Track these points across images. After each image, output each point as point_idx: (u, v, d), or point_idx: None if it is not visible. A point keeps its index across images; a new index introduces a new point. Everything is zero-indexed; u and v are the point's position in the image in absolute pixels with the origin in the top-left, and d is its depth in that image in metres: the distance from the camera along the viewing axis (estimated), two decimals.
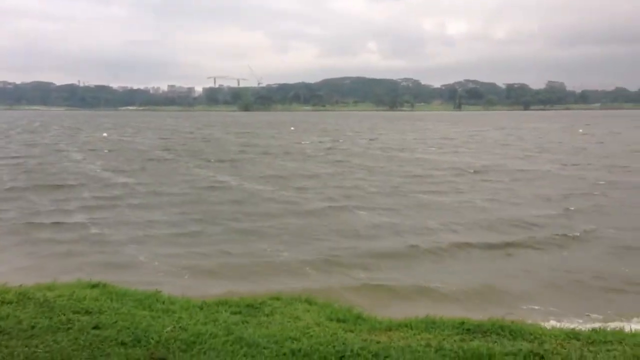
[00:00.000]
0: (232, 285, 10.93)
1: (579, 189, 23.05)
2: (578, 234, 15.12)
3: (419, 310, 8.16)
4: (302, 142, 52.55)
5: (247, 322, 6.21)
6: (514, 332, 6.01)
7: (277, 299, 7.27)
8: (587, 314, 9.61)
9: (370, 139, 57.50)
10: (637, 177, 26.70)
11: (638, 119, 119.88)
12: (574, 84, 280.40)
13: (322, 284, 11.20)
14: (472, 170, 29.42)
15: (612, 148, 44.41)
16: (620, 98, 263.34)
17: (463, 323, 6.23)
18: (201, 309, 6.73)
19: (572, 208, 18.88)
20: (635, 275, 11.81)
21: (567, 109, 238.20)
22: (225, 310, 6.64)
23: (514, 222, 16.65)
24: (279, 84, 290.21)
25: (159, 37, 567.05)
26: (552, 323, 7.86)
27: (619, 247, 13.96)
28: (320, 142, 53.06)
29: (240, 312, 6.60)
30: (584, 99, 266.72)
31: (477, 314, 7.48)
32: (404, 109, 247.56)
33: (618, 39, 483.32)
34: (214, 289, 10.28)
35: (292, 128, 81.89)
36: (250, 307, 6.80)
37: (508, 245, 14.10)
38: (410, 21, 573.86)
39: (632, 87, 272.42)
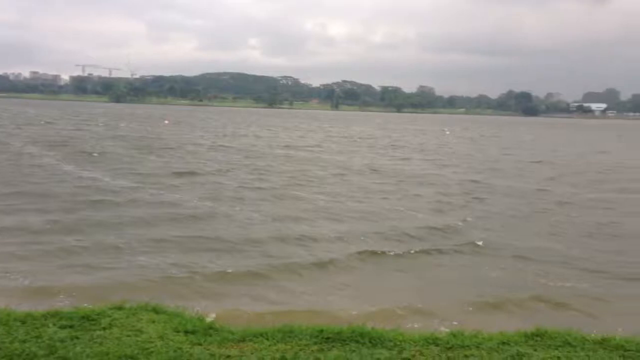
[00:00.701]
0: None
1: (460, 193, 23.24)
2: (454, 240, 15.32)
3: (283, 317, 7.74)
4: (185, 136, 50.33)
5: (77, 338, 5.38)
6: (374, 339, 5.73)
7: (120, 308, 6.44)
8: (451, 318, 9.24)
9: (257, 136, 56.40)
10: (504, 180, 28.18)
11: (499, 124, 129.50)
12: (442, 90, 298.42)
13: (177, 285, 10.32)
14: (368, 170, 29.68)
15: (491, 152, 47.01)
16: (482, 104, 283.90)
17: (322, 331, 5.84)
18: (24, 323, 5.77)
19: (457, 213, 19.28)
20: (497, 278, 11.99)
21: (436, 112, 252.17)
22: (54, 324, 5.73)
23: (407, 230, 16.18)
24: (155, 76, 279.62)
25: (24, 18, 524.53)
26: (414, 327, 7.75)
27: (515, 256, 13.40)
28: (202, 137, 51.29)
29: (71, 326, 5.72)
30: (451, 104, 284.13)
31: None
32: (283, 106, 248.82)
33: (482, 51, 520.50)
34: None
35: (166, 122, 78.79)
36: (86, 320, 5.94)
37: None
38: (293, 20, 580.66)
39: (492, 95, 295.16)
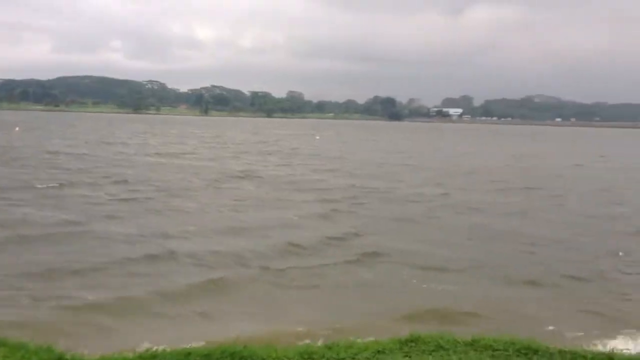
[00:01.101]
0: None
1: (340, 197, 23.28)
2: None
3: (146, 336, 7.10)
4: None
5: None
6: (245, 357, 5.37)
7: None
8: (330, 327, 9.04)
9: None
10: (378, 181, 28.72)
11: (368, 128, 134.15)
12: (311, 95, 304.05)
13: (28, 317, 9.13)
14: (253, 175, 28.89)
15: (365, 156, 47.96)
16: (350, 109, 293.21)
17: (189, 354, 5.37)
18: None
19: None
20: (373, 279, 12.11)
21: (305, 117, 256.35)
22: None
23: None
24: (4, 80, 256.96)
25: None
26: (289, 341, 7.45)
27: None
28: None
29: None
30: (320, 108, 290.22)
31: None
32: (149, 112, 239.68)
33: (349, 57, 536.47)
34: None
35: (17, 128, 72.21)
36: None
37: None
38: (159, 22, 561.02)
39: (360, 100, 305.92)
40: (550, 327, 9.37)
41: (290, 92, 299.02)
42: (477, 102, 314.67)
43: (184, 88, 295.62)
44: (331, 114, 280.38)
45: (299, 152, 49.61)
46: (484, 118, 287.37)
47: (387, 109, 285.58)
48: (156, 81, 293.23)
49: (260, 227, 16.60)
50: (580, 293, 11.68)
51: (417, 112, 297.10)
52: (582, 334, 9.13)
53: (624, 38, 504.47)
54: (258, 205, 20.83)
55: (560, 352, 6.14)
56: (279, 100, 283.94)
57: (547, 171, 37.94)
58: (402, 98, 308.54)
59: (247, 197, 22.48)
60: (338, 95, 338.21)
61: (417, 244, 15.36)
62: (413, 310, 10.07)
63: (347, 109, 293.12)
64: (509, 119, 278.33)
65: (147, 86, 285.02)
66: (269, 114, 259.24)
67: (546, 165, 42.74)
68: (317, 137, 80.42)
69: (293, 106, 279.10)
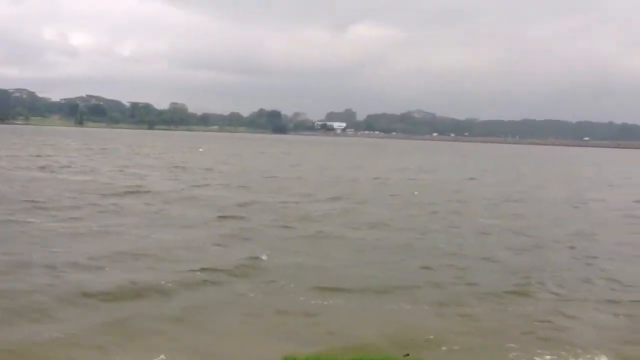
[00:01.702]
0: None
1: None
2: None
3: None
4: None
5: None
6: None
7: None
8: None
9: None
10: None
11: (253, 141, 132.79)
12: (195, 107, 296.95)
13: None
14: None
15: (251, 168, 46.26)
16: (235, 122, 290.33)
17: None
18: None
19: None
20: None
21: (190, 129, 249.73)
22: None
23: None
24: None
25: None
26: None
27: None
28: None
29: None
30: (205, 121, 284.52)
31: None
32: (17, 122, 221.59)
33: (233, 69, 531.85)
34: None
35: None
36: None
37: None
38: (28, 27, 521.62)
39: (244, 113, 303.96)
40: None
41: (173, 103, 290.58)
42: (360, 117, 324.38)
43: (56, 97, 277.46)
44: (216, 127, 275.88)
45: (187, 165, 46.99)
46: (367, 132, 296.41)
47: (272, 122, 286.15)
48: (24, 89, 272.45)
49: (153, 253, 14.65)
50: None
51: (302, 126, 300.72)
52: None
53: (497, 57, 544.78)
54: (152, 223, 18.64)
55: None
56: (161, 112, 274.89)
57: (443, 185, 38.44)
58: (287, 111, 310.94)
59: (138, 214, 20.11)
60: (222, 108, 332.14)
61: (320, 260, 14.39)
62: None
63: (231, 122, 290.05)
64: (393, 133, 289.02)
65: (14, 95, 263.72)
66: (151, 125, 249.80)
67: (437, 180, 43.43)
68: (201, 150, 77.78)
69: (176, 118, 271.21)
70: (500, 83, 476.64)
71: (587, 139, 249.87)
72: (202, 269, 12.81)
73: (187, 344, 8.81)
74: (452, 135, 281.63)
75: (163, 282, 11.72)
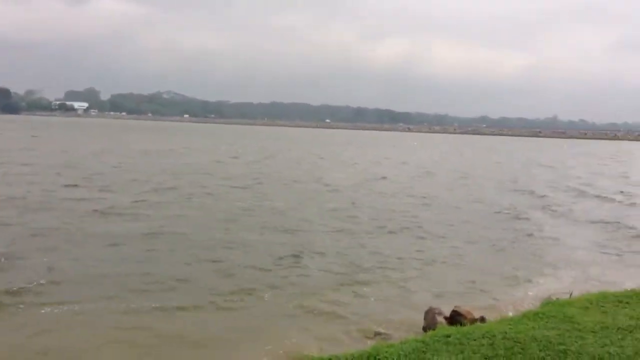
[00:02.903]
0: None
1: None
2: None
3: None
4: None
5: None
6: None
7: None
8: None
9: None
10: None
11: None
12: None
13: None
14: None
15: None
16: None
17: None
18: None
19: None
20: None
21: None
22: None
23: None
24: None
25: None
26: None
27: None
28: None
29: None
30: None
31: None
32: None
33: None
34: None
35: None
36: None
37: None
38: None
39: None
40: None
41: None
42: (104, 96, 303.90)
43: None
44: None
45: None
46: (112, 113, 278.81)
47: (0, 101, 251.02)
48: None
49: None
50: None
51: (37, 105, 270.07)
52: None
53: (247, 42, 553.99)
54: None
55: None
56: None
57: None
58: (18, 89, 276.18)
59: None
60: None
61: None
62: None
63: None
64: (141, 115, 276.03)
65: None
66: None
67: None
68: None
69: None
70: (250, 67, 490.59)
71: (328, 120, 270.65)
72: None
73: None
74: (208, 117, 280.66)
75: None
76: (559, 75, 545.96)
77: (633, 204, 25.32)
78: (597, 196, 27.90)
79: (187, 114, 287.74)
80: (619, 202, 26.11)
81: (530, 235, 17.38)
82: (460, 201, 24.61)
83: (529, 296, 11.06)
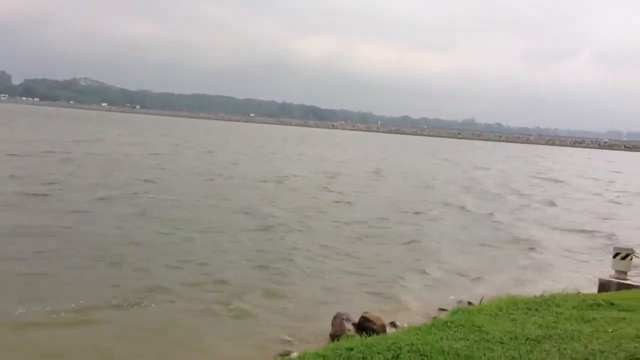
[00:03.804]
0: None
1: None
2: None
3: None
4: None
5: None
6: None
7: None
8: None
9: None
10: None
11: None
12: None
13: None
14: None
15: None
16: None
17: None
18: None
19: None
20: None
21: None
22: None
23: None
24: None
25: None
26: None
27: None
28: None
29: None
30: None
31: None
32: None
33: None
34: None
35: None
36: None
37: None
38: None
39: None
40: None
41: None
42: (16, 80, 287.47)
43: None
44: None
45: None
46: (24, 99, 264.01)
47: None
48: None
49: None
50: None
51: None
52: None
53: (169, 31, 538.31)
54: None
55: None
56: None
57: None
58: None
59: None
60: None
61: None
62: None
63: None
64: (56, 101, 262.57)
65: None
66: None
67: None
68: None
69: None
70: (175, 57, 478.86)
71: (252, 115, 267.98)
72: None
73: None
74: (130, 106, 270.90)
75: None
76: (477, 79, 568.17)
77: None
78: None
79: (105, 102, 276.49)
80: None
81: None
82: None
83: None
